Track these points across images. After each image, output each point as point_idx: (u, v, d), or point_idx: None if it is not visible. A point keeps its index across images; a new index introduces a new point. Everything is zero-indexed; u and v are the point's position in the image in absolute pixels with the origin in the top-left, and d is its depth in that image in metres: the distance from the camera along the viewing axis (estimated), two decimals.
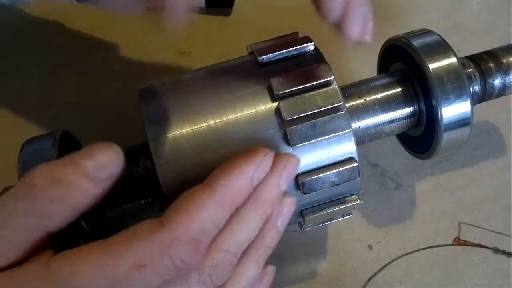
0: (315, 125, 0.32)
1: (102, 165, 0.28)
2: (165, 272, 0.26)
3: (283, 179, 0.30)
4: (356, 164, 0.32)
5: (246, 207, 0.29)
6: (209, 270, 0.28)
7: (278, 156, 0.30)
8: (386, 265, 0.42)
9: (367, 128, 0.37)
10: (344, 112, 0.32)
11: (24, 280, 0.26)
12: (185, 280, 0.27)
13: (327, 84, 0.32)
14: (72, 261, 0.26)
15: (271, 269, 0.32)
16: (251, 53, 0.35)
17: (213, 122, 0.32)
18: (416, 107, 0.38)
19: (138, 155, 0.35)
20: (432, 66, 0.35)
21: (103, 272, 0.26)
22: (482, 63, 0.39)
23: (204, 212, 0.27)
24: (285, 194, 0.31)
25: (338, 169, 0.32)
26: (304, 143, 0.32)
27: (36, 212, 0.27)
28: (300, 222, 0.36)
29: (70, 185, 0.28)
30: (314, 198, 0.34)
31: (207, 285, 0.28)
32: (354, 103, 0.37)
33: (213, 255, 0.28)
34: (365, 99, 0.37)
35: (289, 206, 0.31)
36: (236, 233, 0.29)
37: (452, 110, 0.35)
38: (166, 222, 0.27)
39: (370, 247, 0.43)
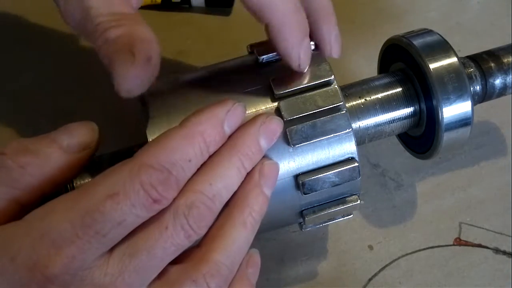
0: (315, 125, 0.31)
1: (75, 137, 0.29)
2: (137, 201, 0.25)
3: (261, 133, 0.30)
4: (356, 164, 0.32)
5: (220, 153, 0.29)
6: (183, 210, 0.27)
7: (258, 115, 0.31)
8: (386, 265, 0.42)
9: (367, 128, 0.37)
10: (344, 112, 0.32)
11: (1, 234, 0.26)
12: (160, 221, 0.27)
13: (327, 84, 0.32)
14: (46, 205, 0.26)
15: (253, 251, 0.32)
16: (251, 53, 0.35)
17: None
18: (417, 107, 0.38)
19: None
20: (432, 65, 0.35)
21: (75, 205, 0.25)
22: (483, 63, 0.39)
23: (173, 142, 0.27)
24: (267, 158, 0.31)
25: (339, 169, 0.32)
26: (304, 143, 0.31)
27: (7, 180, 0.27)
28: (300, 223, 0.36)
29: (41, 154, 0.28)
30: (315, 198, 0.34)
31: (185, 229, 0.27)
32: (354, 103, 0.37)
33: (187, 195, 0.27)
34: (365, 99, 0.37)
35: (270, 167, 0.31)
36: (210, 177, 0.28)
37: (453, 110, 0.35)
38: (136, 154, 0.27)
39: (370, 247, 0.43)
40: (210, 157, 0.29)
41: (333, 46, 0.34)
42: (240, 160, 0.29)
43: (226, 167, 0.29)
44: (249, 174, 0.30)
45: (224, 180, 0.29)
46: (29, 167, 0.28)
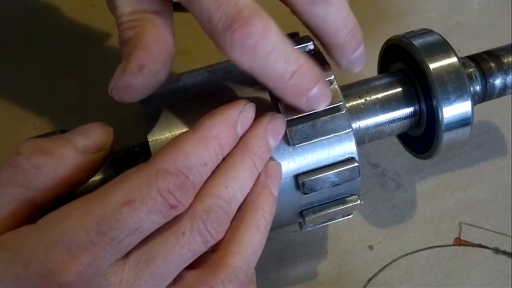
0: (315, 125, 0.31)
1: (90, 138, 0.29)
2: (154, 207, 0.25)
3: (269, 133, 0.30)
4: (356, 164, 0.32)
5: (233, 154, 0.29)
6: (201, 215, 0.27)
7: (263, 115, 0.31)
8: (386, 265, 0.42)
9: (367, 128, 0.37)
10: (344, 112, 0.32)
11: (14, 239, 0.26)
12: (177, 226, 0.26)
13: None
14: (59, 210, 0.26)
15: (274, 162, 0.32)
16: None
17: None
18: (417, 107, 0.38)
19: (138, 155, 0.35)
20: (432, 65, 0.35)
21: (90, 212, 0.25)
22: (483, 63, 0.39)
23: (188, 147, 0.27)
24: (270, 159, 0.31)
25: (339, 169, 0.32)
26: (304, 143, 0.31)
27: (22, 181, 0.27)
28: (300, 223, 0.36)
29: (56, 155, 0.28)
30: (315, 198, 0.34)
31: (203, 235, 0.27)
32: (354, 103, 0.37)
33: (204, 199, 0.27)
34: (365, 99, 0.37)
35: (275, 167, 0.31)
36: (225, 179, 0.28)
37: (453, 110, 0.35)
38: (152, 159, 0.27)
39: (370, 247, 0.43)
40: (223, 159, 0.29)
41: (351, 67, 0.32)
42: (252, 160, 0.29)
43: (240, 169, 0.29)
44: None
45: (239, 182, 0.28)
46: (44, 167, 0.27)
